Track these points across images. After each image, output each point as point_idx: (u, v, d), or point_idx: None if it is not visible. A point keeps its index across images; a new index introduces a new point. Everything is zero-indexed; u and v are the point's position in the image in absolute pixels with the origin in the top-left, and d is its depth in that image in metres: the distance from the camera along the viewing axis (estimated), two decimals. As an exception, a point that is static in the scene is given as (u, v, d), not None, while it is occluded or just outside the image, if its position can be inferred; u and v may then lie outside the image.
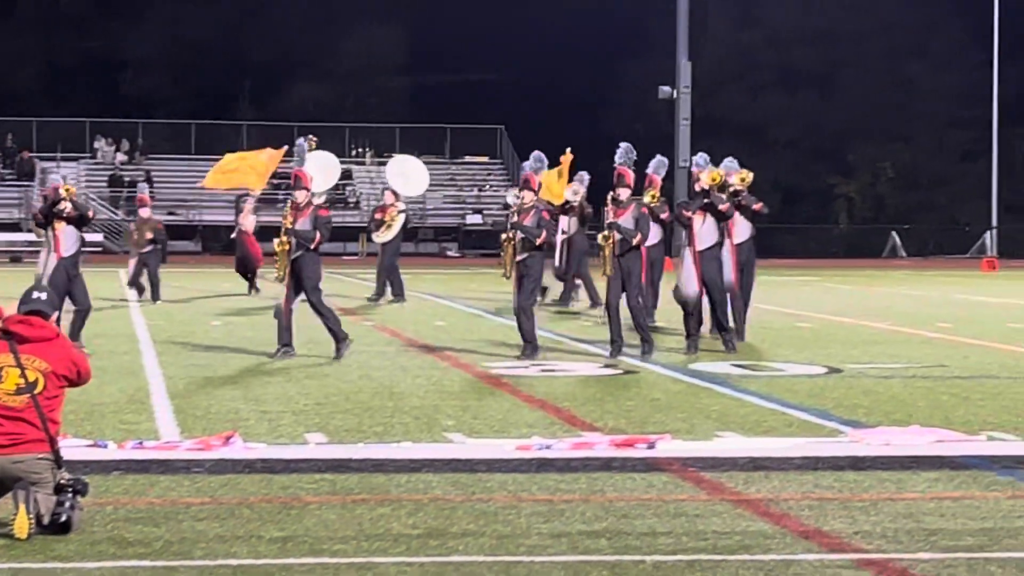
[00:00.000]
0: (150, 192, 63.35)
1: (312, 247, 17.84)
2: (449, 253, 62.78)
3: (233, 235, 31.92)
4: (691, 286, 19.10)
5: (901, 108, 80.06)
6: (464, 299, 29.64)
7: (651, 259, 21.31)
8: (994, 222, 68.24)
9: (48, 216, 18.32)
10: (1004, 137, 69.66)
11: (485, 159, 71.42)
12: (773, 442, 11.70)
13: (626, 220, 18.11)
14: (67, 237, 18.28)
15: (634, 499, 9.49)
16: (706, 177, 19.43)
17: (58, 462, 8.58)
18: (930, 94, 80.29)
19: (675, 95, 59.54)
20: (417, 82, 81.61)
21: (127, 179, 64.93)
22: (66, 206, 18.21)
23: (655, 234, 21.20)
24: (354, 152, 69.40)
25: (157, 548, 8.09)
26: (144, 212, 28.72)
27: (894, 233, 69.94)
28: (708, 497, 9.61)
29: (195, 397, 14.37)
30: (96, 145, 68.90)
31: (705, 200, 19.24)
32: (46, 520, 8.33)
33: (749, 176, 20.58)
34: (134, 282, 28.49)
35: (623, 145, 18.81)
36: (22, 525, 8.21)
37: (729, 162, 20.67)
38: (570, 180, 26.19)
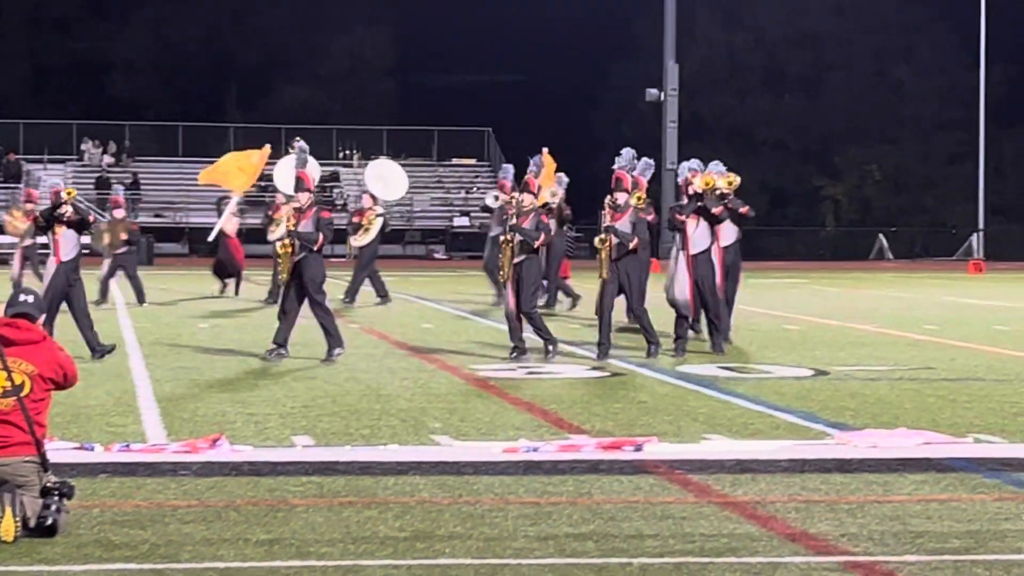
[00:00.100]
0: (136, 194, 63.92)
1: (315, 249, 17.87)
2: (436, 255, 62.74)
3: (211, 237, 31.76)
4: (682, 290, 19.14)
5: (888, 111, 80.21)
6: (451, 301, 29.63)
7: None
8: (981, 224, 68.33)
9: (49, 220, 18.24)
10: (991, 140, 69.75)
11: (472, 161, 71.41)
12: (760, 444, 11.71)
13: (623, 224, 18.16)
14: (67, 241, 18.18)
15: (621, 501, 9.50)
16: (699, 181, 19.51)
17: (44, 465, 8.57)
18: (917, 97, 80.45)
19: (662, 97, 59.64)
20: (405, 84, 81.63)
21: (114, 181, 64.78)
22: (67, 210, 18.13)
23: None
24: (341, 154, 69.36)
25: (144, 551, 8.08)
26: (118, 213, 28.47)
27: (881, 235, 70.04)
28: (695, 499, 9.61)
29: (182, 400, 14.35)
30: (83, 147, 68.79)
31: (699, 204, 19.32)
32: (32, 523, 8.32)
33: (736, 179, 20.61)
34: (105, 284, 28.08)
35: (626, 151, 18.91)
36: (8, 528, 8.20)
37: (715, 165, 20.70)
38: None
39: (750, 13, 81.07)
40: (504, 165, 28.26)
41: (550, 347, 18.28)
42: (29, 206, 27.73)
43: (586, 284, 32.69)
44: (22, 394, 8.54)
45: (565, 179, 26.67)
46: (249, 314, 26.21)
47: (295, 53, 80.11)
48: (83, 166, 67.79)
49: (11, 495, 8.28)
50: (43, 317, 9.12)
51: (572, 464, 10.74)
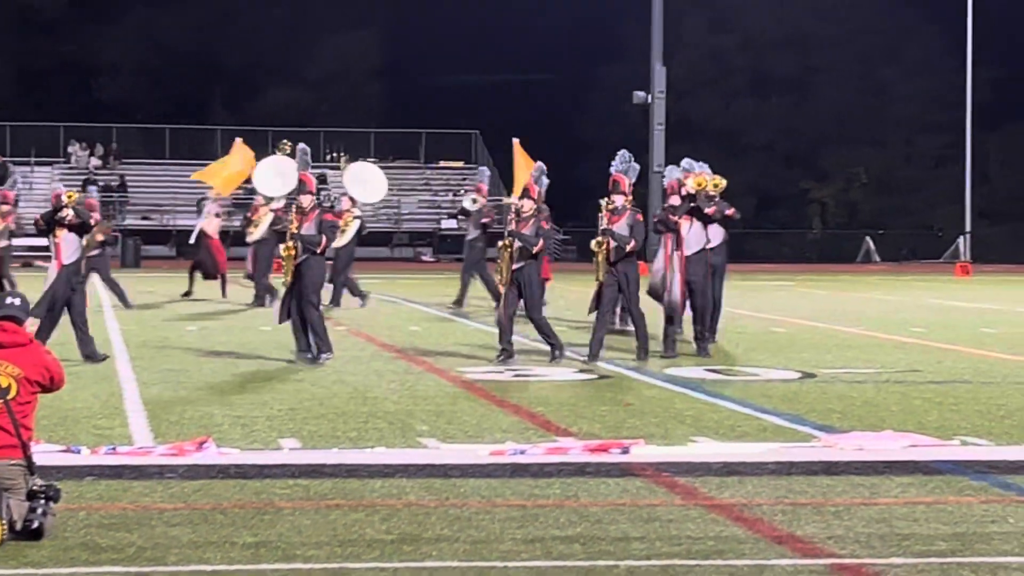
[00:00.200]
0: (123, 197, 63.82)
1: (318, 251, 17.89)
2: (424, 258, 62.75)
3: (192, 239, 31.70)
4: (674, 291, 19.16)
5: (875, 113, 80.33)
6: (439, 304, 29.63)
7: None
8: (967, 227, 68.43)
9: (50, 223, 18.19)
10: (977, 142, 69.87)
11: (460, 164, 71.40)
12: (747, 447, 11.72)
13: (620, 227, 18.18)
14: (68, 245, 18.13)
15: (608, 504, 9.50)
16: (691, 182, 19.57)
17: (31, 468, 8.55)
18: (903, 99, 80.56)
19: (649, 100, 59.57)
20: (391, 87, 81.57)
21: (102, 184, 64.69)
22: (68, 213, 18.08)
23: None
24: (328, 157, 69.31)
25: (130, 554, 8.07)
26: (94, 216, 28.30)
27: (868, 238, 70.13)
28: (682, 502, 9.62)
29: (169, 402, 14.33)
30: (70, 150, 68.71)
31: (691, 205, 19.38)
32: (19, 526, 8.30)
33: (722, 182, 20.66)
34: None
35: (622, 152, 18.93)
36: (-6, 531, 8.19)
37: (701, 167, 20.74)
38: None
39: (737, 16, 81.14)
40: (480, 168, 28.27)
41: (557, 352, 18.27)
42: (5, 208, 27.54)
43: (574, 287, 32.71)
44: (8, 397, 8.53)
45: (545, 180, 26.63)
46: (236, 316, 26.20)
47: (282, 55, 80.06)
48: (71, 169, 67.68)
49: (-3, 498, 8.28)
50: (29, 320, 9.11)
51: (559, 467, 10.74)
